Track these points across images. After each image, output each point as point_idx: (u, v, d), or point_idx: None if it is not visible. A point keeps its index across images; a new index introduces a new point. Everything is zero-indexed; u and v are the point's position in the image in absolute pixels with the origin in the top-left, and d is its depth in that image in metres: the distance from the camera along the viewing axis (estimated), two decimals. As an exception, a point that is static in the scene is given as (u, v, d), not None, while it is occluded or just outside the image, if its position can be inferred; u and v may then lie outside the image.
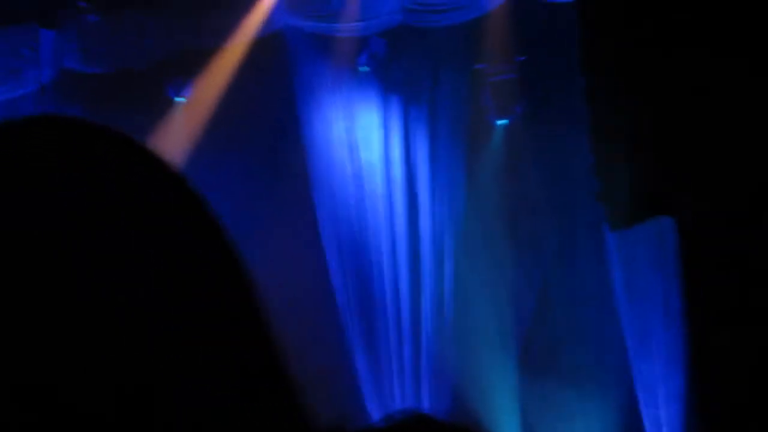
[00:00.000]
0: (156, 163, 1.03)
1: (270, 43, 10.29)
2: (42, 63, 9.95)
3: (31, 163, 1.00)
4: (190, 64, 10.38)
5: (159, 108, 10.46)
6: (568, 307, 10.74)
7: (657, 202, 9.34)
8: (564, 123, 10.45)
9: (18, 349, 0.91)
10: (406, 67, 10.49)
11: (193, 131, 10.41)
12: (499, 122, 10.76)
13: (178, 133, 10.43)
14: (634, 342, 10.62)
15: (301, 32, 10.14)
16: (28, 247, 0.94)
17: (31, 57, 9.95)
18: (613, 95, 9.12)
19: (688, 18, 8.34)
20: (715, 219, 9.27)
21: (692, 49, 8.50)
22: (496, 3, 10.25)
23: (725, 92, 8.58)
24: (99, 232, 0.97)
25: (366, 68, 10.40)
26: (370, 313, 10.44)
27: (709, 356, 9.92)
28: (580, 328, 10.71)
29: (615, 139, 9.25)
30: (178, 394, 0.93)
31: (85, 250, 0.96)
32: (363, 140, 10.50)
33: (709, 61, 8.46)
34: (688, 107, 8.84)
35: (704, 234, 9.60)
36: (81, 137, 1.05)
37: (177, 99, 10.48)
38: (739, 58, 8.33)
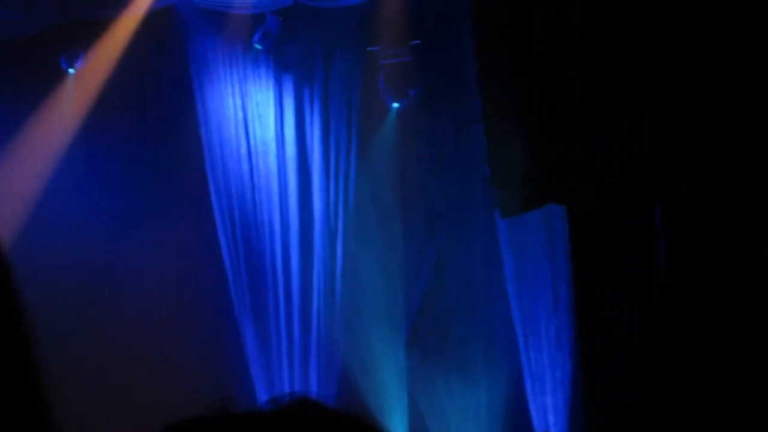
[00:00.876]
0: None
1: (164, 17, 10.14)
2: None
3: None
4: (84, 35, 10.20)
5: (50, 79, 10.27)
6: (460, 290, 10.77)
7: (547, 189, 9.36)
8: (458, 107, 10.46)
9: None
10: (300, 46, 10.42)
11: (84, 104, 10.24)
12: (393, 105, 10.75)
13: (69, 106, 10.26)
14: (523, 328, 10.67)
15: (194, 7, 10.00)
16: None
17: None
18: (505, 82, 9.12)
19: (576, 7, 8.37)
20: (604, 207, 9.33)
21: (581, 37, 8.52)
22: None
23: (615, 78, 8.61)
24: None
25: (260, 46, 10.30)
26: (261, 292, 10.37)
27: (595, 345, 9.99)
28: (470, 312, 10.74)
29: (506, 126, 9.26)
30: None
31: None
32: (257, 118, 10.42)
33: (602, 47, 8.49)
34: (578, 95, 8.87)
35: (592, 222, 9.66)
36: None
37: (69, 70, 10.29)
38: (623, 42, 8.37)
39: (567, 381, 10.49)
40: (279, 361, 10.36)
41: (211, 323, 10.35)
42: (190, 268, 10.32)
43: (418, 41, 10.44)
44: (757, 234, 8.62)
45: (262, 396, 10.12)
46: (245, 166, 10.35)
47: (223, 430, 1.17)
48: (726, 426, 8.68)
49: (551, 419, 10.53)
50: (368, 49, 10.47)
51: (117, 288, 10.07)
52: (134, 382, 9.78)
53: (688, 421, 9.01)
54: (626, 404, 9.43)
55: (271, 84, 10.37)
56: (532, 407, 10.62)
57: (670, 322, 9.18)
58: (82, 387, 9.29)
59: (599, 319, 9.85)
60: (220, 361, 10.28)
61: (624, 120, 8.69)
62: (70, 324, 9.50)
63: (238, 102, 10.34)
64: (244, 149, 10.34)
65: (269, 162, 10.40)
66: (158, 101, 10.30)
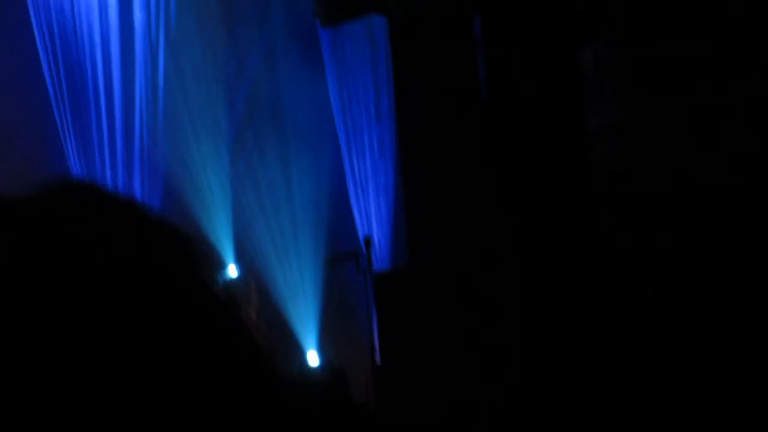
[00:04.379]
0: None
1: None
2: None
3: None
4: None
5: None
6: (283, 98, 10.82)
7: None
8: None
9: None
10: None
11: None
12: None
13: None
14: (347, 137, 10.83)
15: None
16: None
17: None
18: None
19: None
20: (424, 16, 9.38)
21: None
22: None
23: None
24: None
25: None
26: (82, 104, 10.23)
27: (415, 154, 10.17)
28: (295, 120, 10.82)
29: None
30: None
31: None
32: None
33: None
34: None
35: (412, 33, 9.72)
36: None
37: None
38: None
39: (390, 188, 10.71)
40: (102, 171, 10.31)
41: (33, 135, 10.18)
42: (9, 78, 10.06)
43: None
44: (575, 37, 8.79)
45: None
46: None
47: None
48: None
49: (374, 224, 10.79)
50: None
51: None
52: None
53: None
54: (444, 211, 9.67)
55: None
56: (356, 213, 10.85)
57: (490, 128, 9.39)
58: None
59: (418, 128, 10.02)
60: (42, 173, 10.14)
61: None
62: None
63: None
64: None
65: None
66: None
